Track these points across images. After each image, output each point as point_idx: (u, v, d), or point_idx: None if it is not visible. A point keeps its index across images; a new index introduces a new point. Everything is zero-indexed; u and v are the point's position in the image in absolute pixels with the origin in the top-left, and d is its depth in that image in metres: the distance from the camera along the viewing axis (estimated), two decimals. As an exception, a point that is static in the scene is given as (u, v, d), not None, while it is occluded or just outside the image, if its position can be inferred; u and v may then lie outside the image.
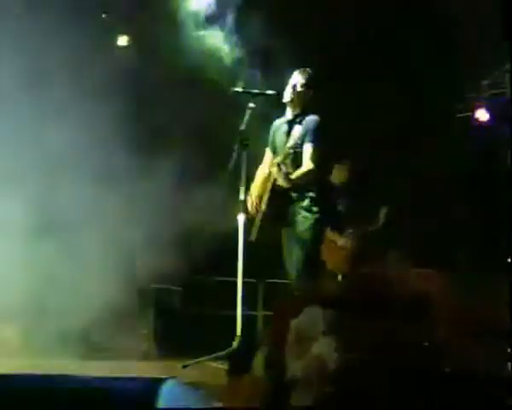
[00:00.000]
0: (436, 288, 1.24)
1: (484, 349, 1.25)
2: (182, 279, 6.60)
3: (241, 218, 4.88)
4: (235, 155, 4.87)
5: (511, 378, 1.31)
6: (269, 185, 4.97)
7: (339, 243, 6.32)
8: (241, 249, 4.84)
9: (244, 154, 4.91)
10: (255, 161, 5.28)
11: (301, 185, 4.90)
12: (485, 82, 9.35)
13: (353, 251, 6.28)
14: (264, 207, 4.96)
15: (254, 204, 5.02)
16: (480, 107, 9.36)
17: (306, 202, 4.92)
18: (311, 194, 4.93)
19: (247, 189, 4.97)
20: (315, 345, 1.31)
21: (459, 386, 1.25)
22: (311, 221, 4.89)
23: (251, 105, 5.05)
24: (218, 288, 6.58)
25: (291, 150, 4.80)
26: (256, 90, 5.14)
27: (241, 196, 4.92)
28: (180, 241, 5.94)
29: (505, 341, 1.22)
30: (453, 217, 8.57)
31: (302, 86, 5.00)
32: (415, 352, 1.20)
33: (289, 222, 4.96)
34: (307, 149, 4.90)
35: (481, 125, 9.32)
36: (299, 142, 4.84)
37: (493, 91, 9.34)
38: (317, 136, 4.91)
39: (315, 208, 4.91)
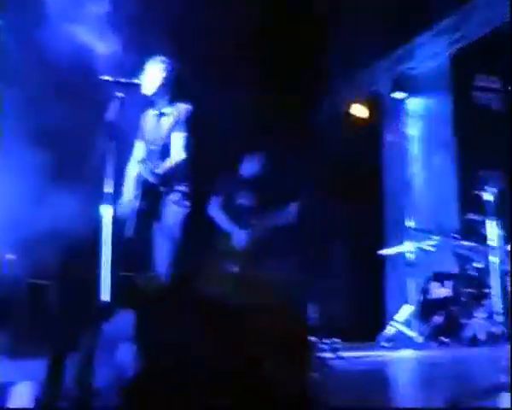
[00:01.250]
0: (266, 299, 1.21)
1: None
2: (52, 274, 6.36)
3: (107, 211, 4.72)
4: (100, 146, 4.69)
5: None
6: (139, 180, 4.86)
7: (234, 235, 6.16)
8: (108, 242, 4.68)
9: (110, 145, 4.73)
10: (124, 153, 5.14)
11: (172, 178, 4.81)
12: (361, 78, 9.64)
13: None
14: (136, 202, 4.85)
15: (127, 199, 4.91)
16: (355, 102, 9.65)
17: (176, 196, 4.83)
18: (180, 187, 4.84)
19: (115, 181, 4.81)
20: (118, 351, 1.25)
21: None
22: (181, 215, 4.82)
23: (119, 95, 4.88)
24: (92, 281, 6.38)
25: (157, 146, 4.71)
26: (124, 79, 4.95)
27: (108, 189, 4.75)
28: (49, 236, 5.72)
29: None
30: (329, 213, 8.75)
31: (164, 76, 4.92)
32: (227, 363, 1.17)
33: (160, 216, 4.87)
34: (178, 141, 4.80)
35: (356, 120, 9.60)
36: (167, 133, 4.76)
37: (369, 88, 9.66)
38: (187, 125, 4.83)
39: (185, 202, 4.84)
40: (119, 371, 1.24)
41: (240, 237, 6.10)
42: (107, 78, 4.92)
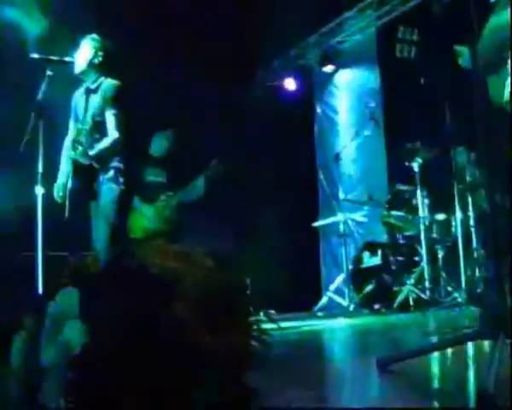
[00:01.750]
0: (190, 269, 1.25)
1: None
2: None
3: (39, 190, 4.65)
4: (30, 125, 4.61)
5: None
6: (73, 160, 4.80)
7: (144, 213, 6.18)
8: (39, 222, 4.63)
9: (41, 124, 4.66)
10: (56, 132, 5.07)
11: (106, 157, 4.77)
12: (292, 52, 9.73)
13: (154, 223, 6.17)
14: (69, 182, 4.80)
15: (63, 179, 4.86)
16: (287, 76, 9.74)
17: (111, 174, 4.79)
18: (115, 164, 4.81)
19: (45, 160, 4.74)
20: (65, 330, 1.28)
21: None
22: (117, 192, 4.79)
23: (49, 73, 4.79)
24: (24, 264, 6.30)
25: (87, 124, 4.67)
26: (54, 57, 4.86)
27: (39, 169, 4.69)
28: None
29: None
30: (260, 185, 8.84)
31: (92, 54, 4.85)
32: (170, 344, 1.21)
33: (95, 195, 4.83)
34: (109, 118, 4.75)
35: (288, 93, 9.70)
36: (97, 111, 4.71)
37: (300, 62, 9.76)
38: (118, 102, 4.78)
39: (120, 179, 4.81)
40: (65, 349, 1.27)
41: (148, 213, 6.14)
42: (36, 56, 4.84)
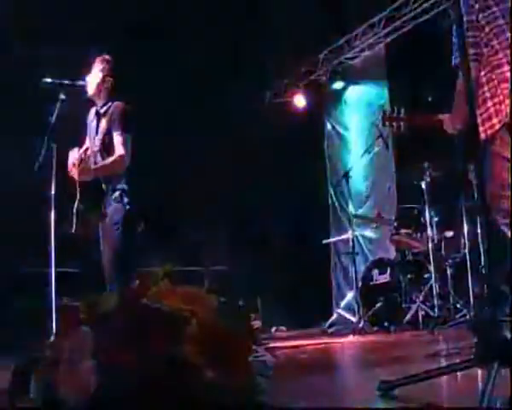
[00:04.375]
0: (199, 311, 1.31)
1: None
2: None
3: (52, 214, 4.74)
4: (43, 149, 4.71)
5: None
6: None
7: None
8: (52, 243, 4.71)
9: (53, 147, 4.75)
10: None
11: (112, 176, 4.85)
12: (302, 69, 9.79)
13: None
14: (76, 201, 4.90)
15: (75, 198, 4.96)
16: (297, 93, 9.81)
17: (117, 194, 4.86)
18: (121, 185, 4.88)
19: (57, 184, 4.82)
20: (79, 368, 1.34)
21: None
22: (122, 213, 4.84)
23: (62, 97, 4.88)
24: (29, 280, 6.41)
25: (95, 148, 4.76)
26: (66, 81, 4.95)
27: (52, 190, 4.77)
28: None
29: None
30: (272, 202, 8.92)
31: (101, 79, 4.88)
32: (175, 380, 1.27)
33: (103, 215, 4.90)
34: (116, 139, 4.83)
35: (298, 110, 9.77)
36: (106, 133, 4.80)
37: (311, 78, 9.82)
38: (124, 123, 4.85)
39: (125, 199, 4.87)
40: (80, 387, 1.33)
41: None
42: (49, 80, 4.93)
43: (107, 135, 4.78)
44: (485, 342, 1.98)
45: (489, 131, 3.20)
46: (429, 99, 6.83)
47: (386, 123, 3.52)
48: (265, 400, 1.48)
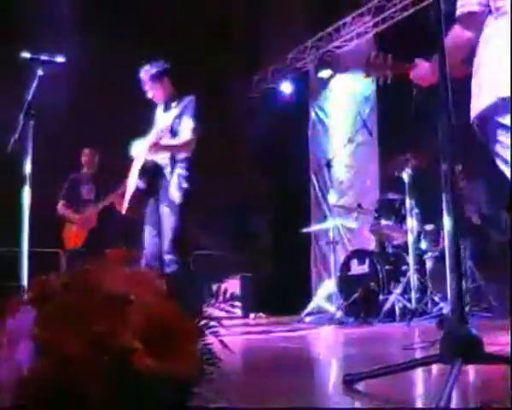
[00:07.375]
0: (141, 289, 1.25)
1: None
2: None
3: (26, 191, 4.66)
4: (20, 126, 4.62)
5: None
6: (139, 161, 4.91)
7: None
8: (26, 222, 4.63)
9: (30, 124, 4.66)
10: (45, 132, 5.09)
11: (175, 153, 4.85)
12: (290, 56, 9.74)
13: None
14: (133, 180, 4.89)
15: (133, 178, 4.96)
16: (284, 80, 9.78)
17: (175, 179, 4.86)
18: (180, 170, 4.88)
19: (33, 161, 4.74)
20: (18, 349, 1.30)
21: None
22: (179, 200, 4.83)
23: (40, 73, 4.80)
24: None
25: (164, 130, 4.78)
26: (45, 57, 4.85)
27: (27, 169, 4.69)
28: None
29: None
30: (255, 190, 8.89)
31: (153, 80, 5.04)
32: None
33: (159, 196, 4.90)
34: (187, 123, 4.87)
35: (284, 97, 9.74)
36: (177, 120, 4.82)
37: (298, 65, 9.77)
38: (195, 112, 4.89)
39: (184, 185, 4.85)
40: (16, 369, 1.28)
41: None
42: (27, 55, 4.83)
43: (178, 122, 4.82)
44: (449, 338, 1.95)
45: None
46: (414, 92, 6.77)
47: (371, 69, 3.22)
48: (199, 392, 1.43)
